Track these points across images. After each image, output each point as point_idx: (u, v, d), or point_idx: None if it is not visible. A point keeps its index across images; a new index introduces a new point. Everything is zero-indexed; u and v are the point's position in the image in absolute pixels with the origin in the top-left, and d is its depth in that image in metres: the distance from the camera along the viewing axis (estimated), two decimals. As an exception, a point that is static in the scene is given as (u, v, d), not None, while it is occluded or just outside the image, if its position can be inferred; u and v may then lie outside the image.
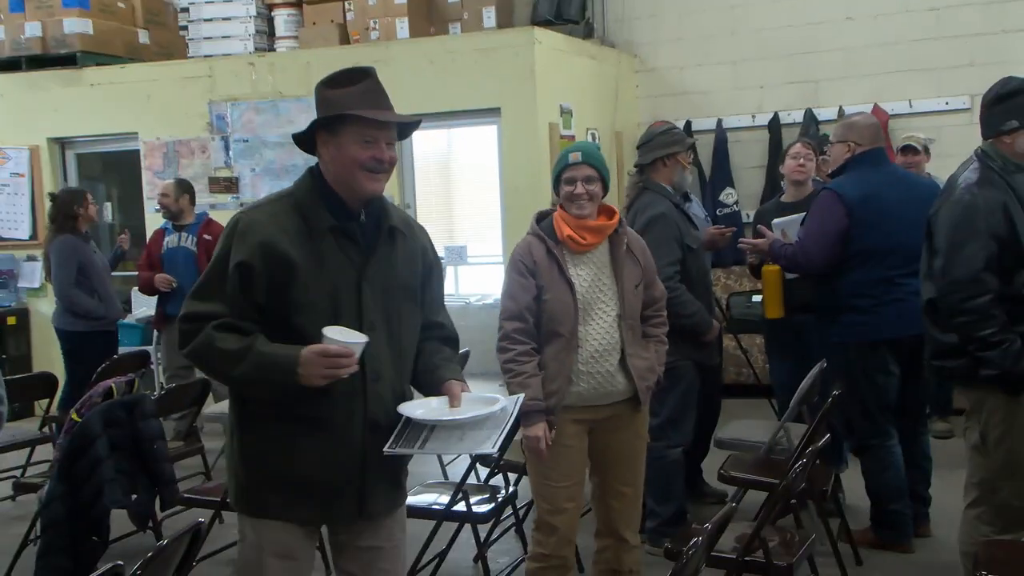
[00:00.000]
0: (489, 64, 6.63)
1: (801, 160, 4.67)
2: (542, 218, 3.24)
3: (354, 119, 2.22)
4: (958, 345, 3.07)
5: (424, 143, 7.49)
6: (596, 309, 3.10)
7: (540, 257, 3.10)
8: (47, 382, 5.27)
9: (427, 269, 2.42)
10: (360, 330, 2.23)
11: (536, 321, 3.07)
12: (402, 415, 2.28)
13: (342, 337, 2.17)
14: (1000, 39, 6.76)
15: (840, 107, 7.00)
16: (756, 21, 7.48)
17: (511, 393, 2.93)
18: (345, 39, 7.31)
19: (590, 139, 7.27)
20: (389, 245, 2.32)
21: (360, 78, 2.27)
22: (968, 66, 6.84)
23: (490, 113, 6.70)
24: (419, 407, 2.31)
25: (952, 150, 6.70)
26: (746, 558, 3.03)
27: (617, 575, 3.21)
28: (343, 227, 2.26)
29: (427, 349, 2.44)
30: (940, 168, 6.11)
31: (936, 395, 5.86)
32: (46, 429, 5.23)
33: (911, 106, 7.00)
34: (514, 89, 6.56)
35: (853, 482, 4.40)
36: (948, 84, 6.91)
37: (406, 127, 2.36)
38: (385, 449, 2.23)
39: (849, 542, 4.03)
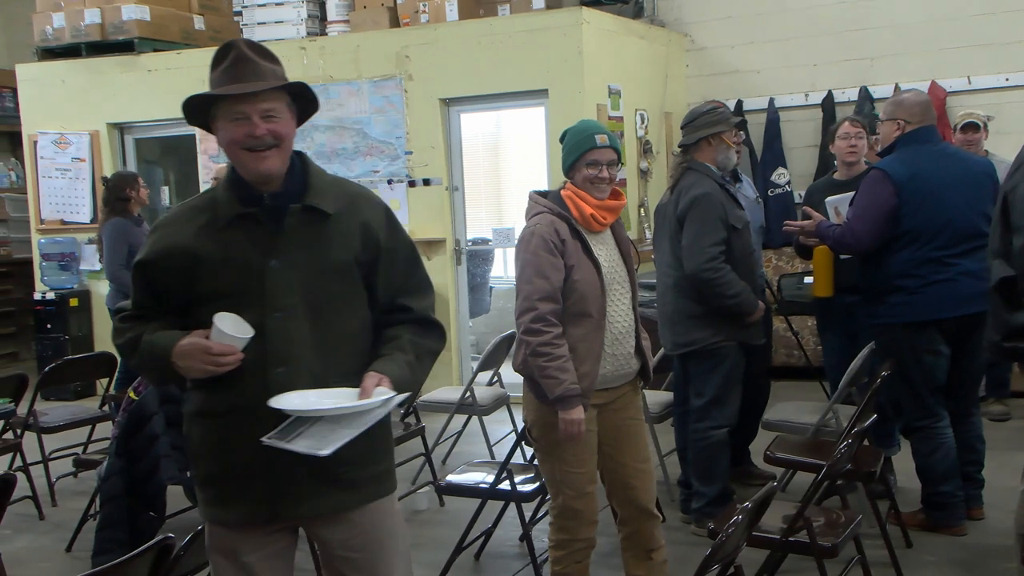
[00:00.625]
0: (537, 45, 6.62)
1: (852, 140, 4.59)
2: (544, 197, 3.18)
3: (220, 100, 2.11)
4: None
5: (472, 125, 7.51)
6: (615, 290, 3.09)
7: (566, 236, 3.04)
8: (108, 361, 5.42)
9: (372, 247, 2.20)
10: (264, 315, 2.11)
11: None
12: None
13: (230, 327, 2.09)
14: (1063, 12, 6.56)
15: (896, 84, 6.85)
16: (806, -2, 7.36)
17: (545, 378, 2.94)
18: (395, 22, 7.36)
19: (639, 120, 7.23)
20: (310, 224, 2.15)
21: (223, 56, 2.14)
22: (1030, 40, 6.66)
23: (538, 95, 6.70)
24: (296, 397, 2.10)
25: (1012, 127, 6.57)
26: (790, 538, 3.02)
27: (651, 552, 3.20)
28: (247, 212, 2.14)
29: (385, 336, 2.24)
30: (998, 145, 5.98)
31: (993, 377, 5.76)
32: (106, 407, 5.39)
33: (970, 83, 6.83)
34: (562, 70, 6.55)
35: (906, 464, 4.35)
36: (1008, 60, 6.73)
37: (309, 103, 2.20)
38: (263, 439, 2.06)
39: (898, 524, 3.99)
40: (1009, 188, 3.06)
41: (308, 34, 7.56)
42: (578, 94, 6.49)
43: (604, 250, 3.12)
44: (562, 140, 3.20)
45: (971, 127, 5.45)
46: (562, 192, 3.14)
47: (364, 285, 2.22)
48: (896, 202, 3.86)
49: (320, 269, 2.16)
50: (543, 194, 3.18)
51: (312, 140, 7.34)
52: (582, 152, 3.08)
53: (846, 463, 3.31)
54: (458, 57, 6.86)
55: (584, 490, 3.08)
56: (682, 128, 4.28)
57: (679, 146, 4.32)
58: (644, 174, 7.28)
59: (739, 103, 7.55)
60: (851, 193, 4.26)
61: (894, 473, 4.51)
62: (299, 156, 2.21)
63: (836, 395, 4.25)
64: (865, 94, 7.07)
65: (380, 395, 2.08)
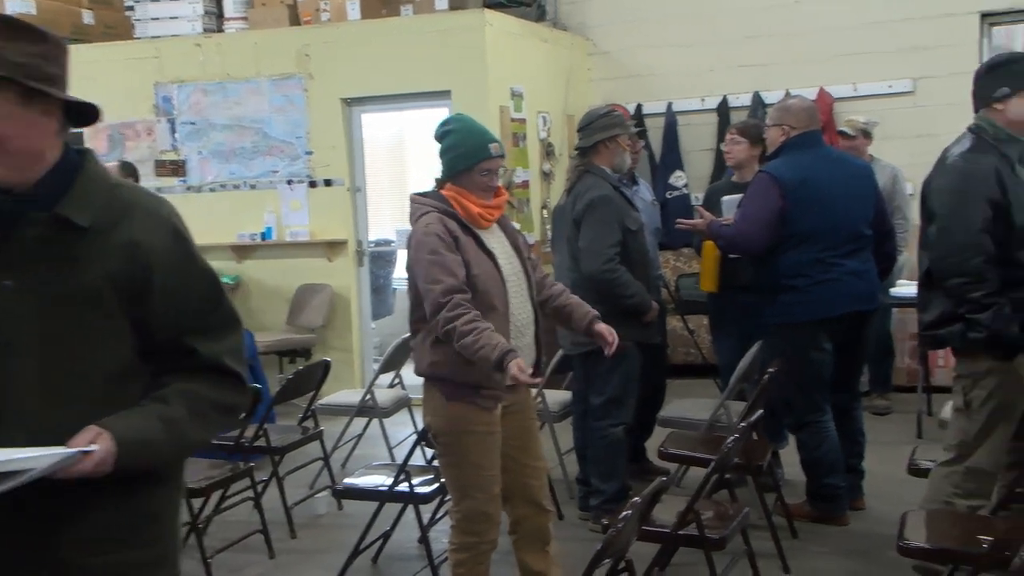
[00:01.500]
0: (440, 46, 6.62)
1: (727, 146, 4.76)
2: (425, 197, 3.14)
3: None
4: (951, 312, 3.13)
5: (375, 126, 7.46)
6: (512, 282, 3.09)
7: (458, 232, 3.03)
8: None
9: (139, 272, 1.72)
10: None
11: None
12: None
13: None
14: (943, 23, 6.87)
15: (787, 91, 7.06)
16: (707, 5, 7.54)
17: (479, 350, 2.82)
18: (296, 20, 7.25)
19: (541, 122, 7.29)
20: (57, 238, 1.69)
21: None
22: (911, 50, 6.96)
23: (441, 96, 6.69)
24: None
25: (895, 132, 6.86)
26: (680, 532, 3.09)
27: (544, 543, 3.24)
28: None
29: (156, 384, 1.78)
30: (883, 151, 6.24)
31: (875, 373, 6.01)
32: None
33: (855, 90, 7.11)
34: (465, 72, 6.56)
35: (792, 457, 4.50)
36: (891, 68, 7.02)
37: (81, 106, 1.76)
38: None
39: (785, 515, 4.12)
40: (925, 182, 3.24)
41: (204, 31, 7.38)
42: (481, 96, 6.51)
43: (496, 244, 3.12)
44: (442, 138, 3.12)
45: (844, 135, 5.72)
46: (443, 192, 3.10)
47: (129, 319, 1.73)
48: (783, 204, 3.99)
49: (63, 294, 1.69)
50: (423, 195, 3.15)
51: (209, 139, 7.18)
52: (477, 161, 3.05)
53: (734, 457, 3.41)
54: (360, 57, 6.80)
55: (493, 492, 3.08)
56: (579, 131, 4.35)
57: (576, 149, 4.38)
58: (547, 176, 7.34)
59: (639, 107, 7.68)
60: (741, 195, 4.38)
61: (781, 467, 4.67)
62: (80, 155, 1.77)
63: (727, 392, 4.38)
64: (758, 100, 7.29)
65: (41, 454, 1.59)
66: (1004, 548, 2.59)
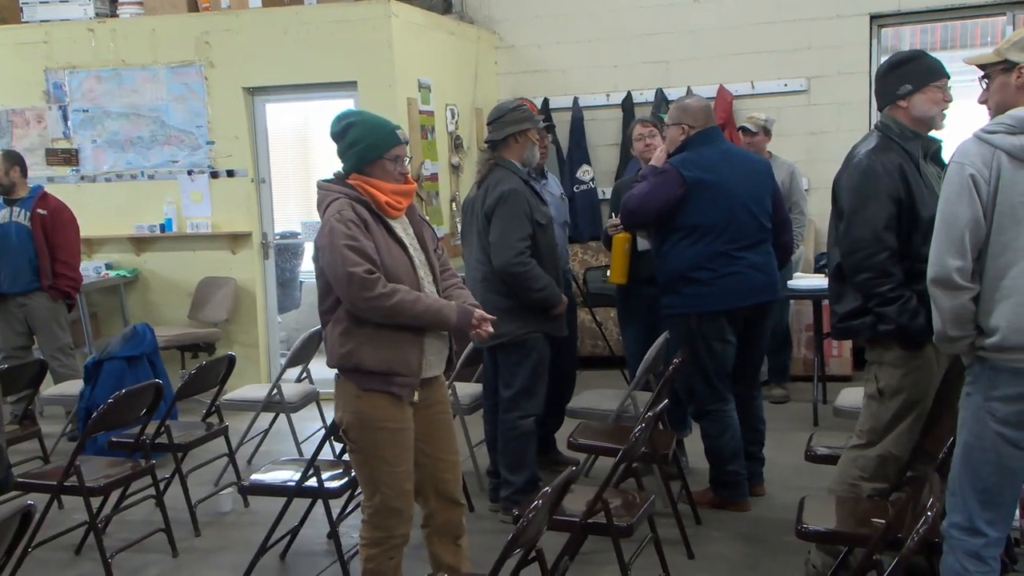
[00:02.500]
0: (345, 37, 6.53)
1: (646, 139, 4.83)
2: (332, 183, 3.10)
3: None
4: (861, 306, 3.24)
5: (280, 116, 7.32)
6: (420, 272, 3.07)
7: (368, 218, 2.98)
8: None
9: None
10: None
11: None
12: None
13: None
14: (835, 24, 7.14)
15: (688, 87, 7.25)
16: (612, 1, 7.64)
17: (433, 315, 2.96)
18: (194, 7, 7.04)
19: (450, 115, 7.28)
20: None
21: None
22: (806, 49, 7.20)
23: (347, 87, 6.61)
24: None
25: (790, 129, 7.10)
26: (588, 520, 3.15)
27: (457, 539, 3.26)
28: None
29: None
30: (780, 147, 6.45)
31: (774, 363, 6.22)
32: None
33: (753, 87, 7.31)
34: (371, 63, 6.49)
35: (696, 446, 4.62)
36: (787, 67, 7.25)
37: None
38: None
39: (690, 502, 4.24)
40: (835, 180, 3.36)
41: (97, 15, 7.11)
42: (388, 87, 6.46)
43: (405, 235, 3.10)
44: (343, 133, 3.06)
45: (746, 131, 5.89)
46: (350, 181, 3.05)
47: None
48: (681, 194, 4.09)
49: None
50: (330, 181, 3.10)
51: (104, 128, 6.92)
52: (387, 148, 3.04)
53: (641, 446, 3.49)
54: (263, 46, 6.66)
55: (404, 488, 3.06)
56: (488, 125, 4.36)
57: (486, 142, 4.39)
58: (455, 169, 7.34)
59: (546, 101, 7.75)
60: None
61: (686, 455, 4.79)
62: None
63: (635, 382, 4.46)
64: (661, 96, 7.43)
65: None
66: (897, 530, 2.73)
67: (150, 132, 6.89)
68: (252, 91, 6.78)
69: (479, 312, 3.09)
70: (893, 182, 3.15)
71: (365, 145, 3.04)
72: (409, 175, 3.15)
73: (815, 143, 7.17)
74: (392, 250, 3.01)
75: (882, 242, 3.15)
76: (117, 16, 7.14)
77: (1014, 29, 6.72)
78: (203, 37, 6.75)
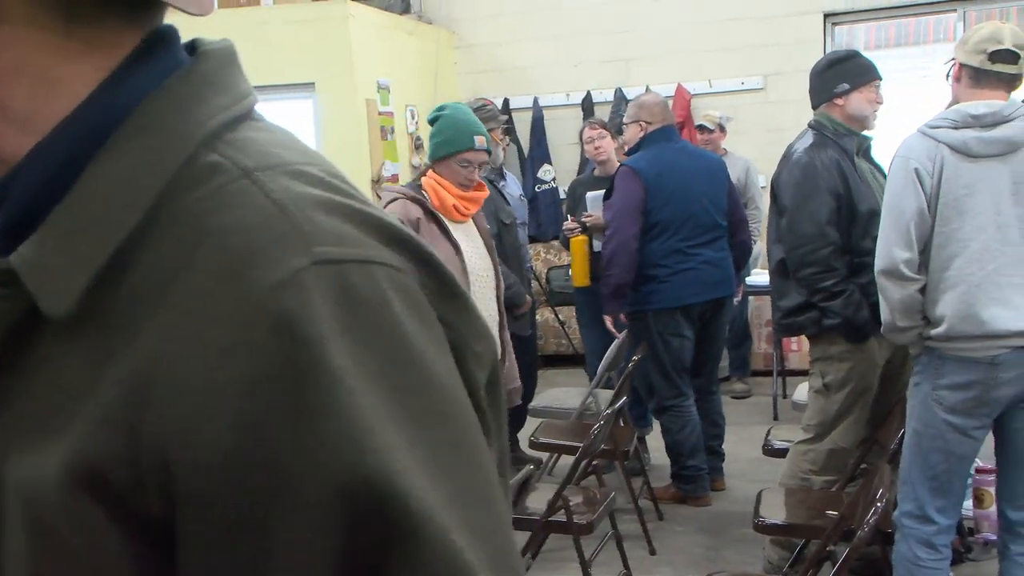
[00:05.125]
0: (303, 38, 6.49)
1: (595, 142, 4.86)
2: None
3: None
4: (806, 301, 3.29)
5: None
6: (480, 278, 3.09)
7: (419, 216, 2.98)
8: None
9: (154, 463, 0.50)
10: None
11: None
12: None
13: None
14: (790, 22, 7.22)
15: (647, 86, 7.28)
16: (570, 0, 7.67)
17: None
18: (149, 8, 6.96)
19: (410, 116, 7.26)
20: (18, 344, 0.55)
21: None
22: (763, 47, 7.28)
23: (305, 88, 6.57)
24: None
25: (747, 127, 7.16)
26: (549, 518, 3.16)
27: None
28: None
29: None
30: (737, 144, 6.51)
31: (735, 358, 6.28)
32: None
33: (711, 86, 7.37)
34: (330, 64, 6.46)
35: (657, 441, 4.65)
36: (744, 65, 7.31)
37: None
38: None
39: (651, 498, 4.27)
40: (774, 177, 3.40)
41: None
42: (347, 88, 6.43)
43: (466, 239, 3.12)
44: (432, 122, 3.17)
45: (703, 129, 5.95)
46: (423, 180, 3.12)
47: None
48: (644, 196, 4.12)
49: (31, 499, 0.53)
50: (403, 186, 3.19)
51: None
52: (458, 150, 3.09)
53: (601, 443, 3.51)
54: (219, 47, 6.59)
55: None
56: (450, 125, 4.37)
57: (447, 143, 4.40)
58: (416, 169, 7.30)
59: (506, 101, 7.76)
60: (603, 190, 4.51)
61: (647, 451, 4.82)
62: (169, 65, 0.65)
63: (596, 380, 4.49)
64: (620, 95, 7.46)
65: None
66: (851, 521, 2.77)
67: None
68: (209, 93, 6.71)
69: None
70: (832, 177, 3.21)
71: (442, 139, 3.12)
72: (481, 182, 3.18)
73: (772, 140, 7.22)
74: (442, 249, 2.97)
75: (825, 237, 3.20)
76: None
77: (964, 25, 6.85)
78: (158, 39, 6.67)
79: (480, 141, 3.11)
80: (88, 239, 0.53)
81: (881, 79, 3.35)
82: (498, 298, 3.16)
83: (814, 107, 3.41)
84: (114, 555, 0.51)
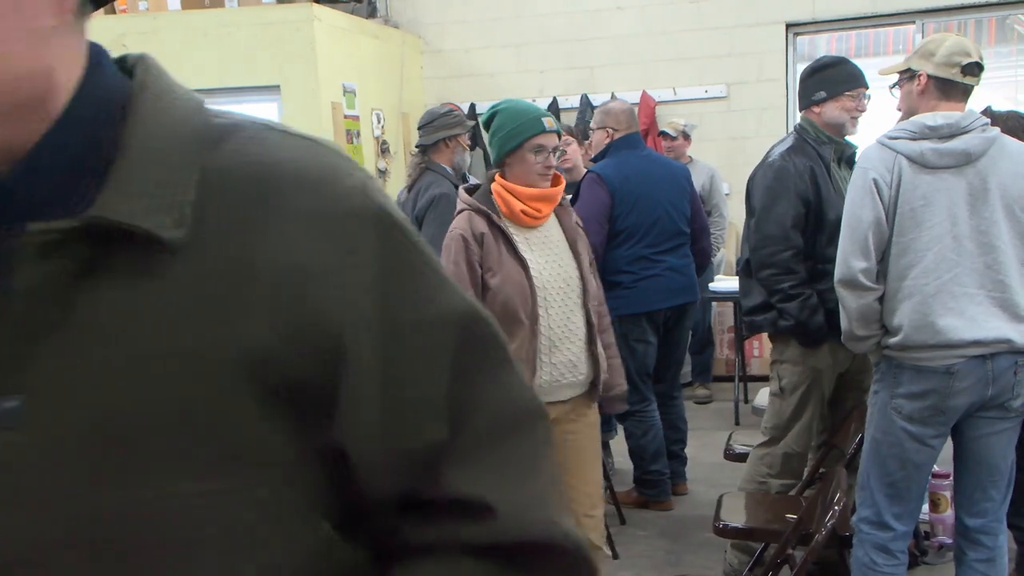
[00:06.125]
0: (268, 40, 6.46)
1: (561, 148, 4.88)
2: (471, 192, 2.87)
3: None
4: (765, 301, 3.34)
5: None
6: (555, 288, 2.80)
7: (483, 231, 2.72)
8: None
9: (317, 342, 0.70)
10: None
11: None
12: None
13: None
14: (753, 31, 7.30)
15: (612, 93, 7.33)
16: (537, 6, 7.69)
17: None
18: (111, 8, 6.88)
19: (375, 120, 7.24)
20: (114, 283, 0.67)
21: None
22: (726, 56, 7.36)
23: (270, 91, 6.53)
24: None
25: (711, 135, 7.24)
26: (513, 524, 3.16)
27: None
28: None
29: None
30: (701, 152, 6.58)
31: (697, 363, 6.34)
32: None
33: (675, 93, 7.43)
34: (294, 67, 6.43)
35: (620, 446, 4.68)
36: (708, 73, 7.39)
37: None
38: None
39: (614, 502, 4.29)
40: (750, 178, 3.45)
41: (10, 15, 6.90)
42: (312, 92, 6.41)
43: (541, 247, 2.83)
44: (489, 122, 2.85)
45: (666, 136, 6.02)
46: (492, 186, 2.82)
47: (300, 452, 0.72)
48: (610, 202, 4.16)
49: (132, 419, 0.67)
50: (470, 189, 2.88)
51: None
52: (528, 137, 2.76)
53: (565, 449, 3.52)
54: (183, 49, 6.53)
55: None
56: (419, 129, 4.38)
57: (417, 147, 4.40)
58: (383, 174, 7.30)
59: (472, 106, 7.76)
60: (570, 195, 4.52)
61: (612, 456, 4.85)
62: (122, 67, 0.78)
63: (559, 386, 4.50)
64: (586, 102, 7.51)
65: None
66: (809, 525, 2.81)
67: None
68: (172, 95, 6.65)
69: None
70: (803, 183, 3.25)
71: (506, 132, 2.80)
72: (558, 173, 2.87)
73: (735, 148, 7.33)
74: (506, 269, 2.73)
75: (788, 240, 3.25)
76: (29, 17, 6.94)
77: (923, 36, 6.98)
78: (120, 39, 6.58)
79: (549, 123, 2.80)
80: (171, 182, 0.69)
81: (867, 87, 3.38)
82: (584, 308, 2.84)
83: (800, 111, 3.46)
84: (271, 465, 0.71)
